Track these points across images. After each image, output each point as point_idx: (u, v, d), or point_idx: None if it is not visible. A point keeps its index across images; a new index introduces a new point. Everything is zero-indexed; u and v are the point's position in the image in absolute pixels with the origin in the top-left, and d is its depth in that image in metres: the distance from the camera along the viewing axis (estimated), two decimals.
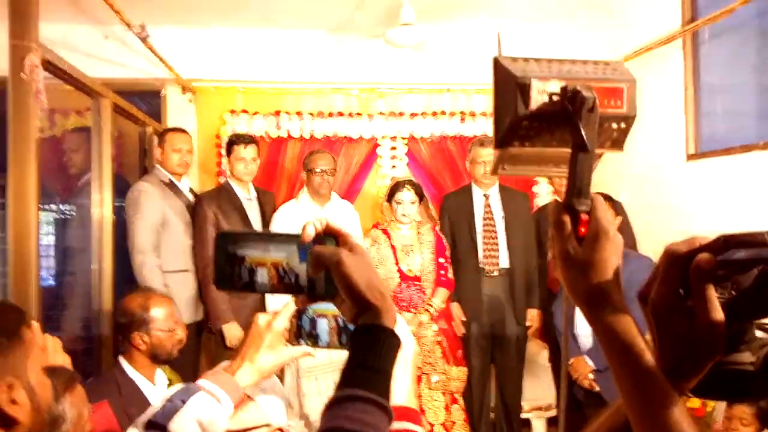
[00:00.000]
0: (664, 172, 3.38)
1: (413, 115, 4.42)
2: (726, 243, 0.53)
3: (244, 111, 4.27)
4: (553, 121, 0.63)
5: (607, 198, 3.11)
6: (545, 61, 0.66)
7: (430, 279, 3.53)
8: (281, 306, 3.17)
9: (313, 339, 0.92)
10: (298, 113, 4.31)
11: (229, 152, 3.43)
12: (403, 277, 3.49)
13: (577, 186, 0.62)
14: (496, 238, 3.69)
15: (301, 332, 0.91)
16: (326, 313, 0.90)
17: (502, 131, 0.66)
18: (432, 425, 3.40)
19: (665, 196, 3.32)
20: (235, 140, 3.42)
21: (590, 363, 2.97)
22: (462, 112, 4.46)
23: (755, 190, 2.80)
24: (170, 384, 2.33)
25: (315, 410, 3.29)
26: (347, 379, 0.67)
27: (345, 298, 0.71)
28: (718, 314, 0.54)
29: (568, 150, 0.65)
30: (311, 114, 4.32)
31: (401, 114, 4.42)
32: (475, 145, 3.78)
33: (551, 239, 0.68)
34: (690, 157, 3.23)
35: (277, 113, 4.28)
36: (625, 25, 3.82)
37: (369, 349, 0.68)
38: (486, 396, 3.75)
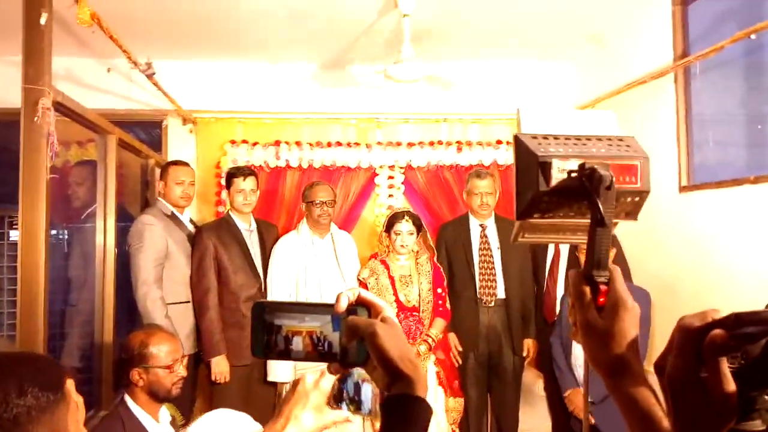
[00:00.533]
0: (658, 203, 3.45)
1: (410, 144, 4.49)
2: (737, 320, 0.58)
3: (244, 141, 4.33)
4: (572, 196, 0.68)
5: None
6: (563, 138, 0.71)
7: (428, 309, 3.56)
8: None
9: (356, 405, 0.90)
10: (298, 143, 4.37)
11: (228, 184, 3.47)
12: (401, 307, 3.52)
13: (596, 258, 0.67)
14: (494, 268, 3.74)
15: (344, 396, 0.90)
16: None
17: (523, 205, 0.71)
18: None
19: (659, 226, 3.38)
20: (235, 172, 3.46)
21: None
22: (458, 142, 4.54)
23: (746, 222, 2.86)
24: (173, 421, 2.33)
25: None
26: None
27: (378, 367, 0.73)
28: (731, 386, 0.57)
29: (585, 221, 0.70)
30: (310, 144, 4.38)
31: (399, 144, 4.49)
32: (472, 176, 3.85)
33: (570, 307, 0.72)
34: (683, 188, 3.30)
35: (277, 143, 4.34)
36: (619, 59, 3.92)
37: (403, 419, 0.69)
38: (483, 426, 3.77)
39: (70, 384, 1.05)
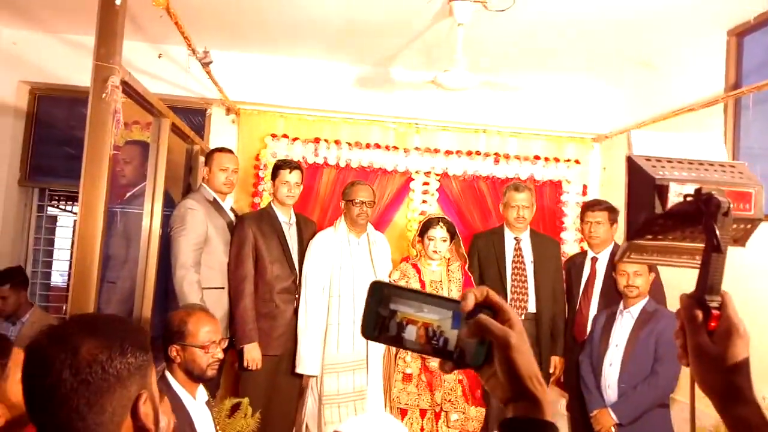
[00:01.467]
0: None
1: (448, 152, 4.52)
2: None
3: (285, 136, 4.38)
4: (686, 220, 0.70)
5: None
6: (676, 161, 0.74)
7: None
8: (310, 339, 3.19)
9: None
10: (337, 142, 4.42)
11: (274, 176, 3.52)
12: None
13: (709, 283, 0.69)
14: (526, 281, 3.75)
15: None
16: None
17: (636, 226, 0.73)
18: None
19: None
20: (282, 164, 3.52)
21: (614, 416, 3.00)
22: (496, 154, 4.55)
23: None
24: (209, 401, 2.38)
25: None
26: None
27: (503, 380, 0.70)
28: None
29: (693, 245, 0.73)
30: (349, 144, 4.43)
31: (436, 151, 4.52)
32: (510, 189, 3.85)
33: (679, 330, 0.74)
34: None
35: (317, 140, 4.39)
36: (669, 85, 3.91)
37: None
38: None
39: None
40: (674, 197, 0.70)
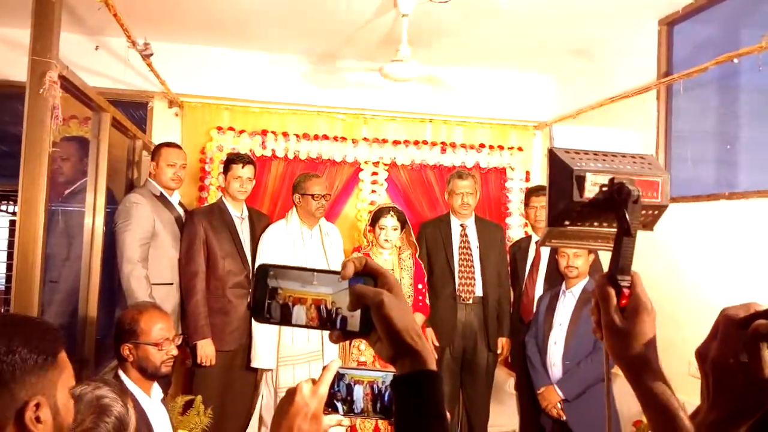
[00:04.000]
0: None
1: (396, 142, 4.57)
2: None
3: (231, 128, 4.34)
4: (601, 207, 0.77)
5: None
6: (592, 153, 0.80)
7: (408, 304, 3.64)
8: (265, 332, 3.22)
9: (349, 405, 0.88)
10: (284, 134, 4.41)
11: (226, 170, 3.50)
12: None
13: (621, 264, 0.76)
14: (473, 267, 3.85)
15: (336, 398, 0.88)
16: (362, 380, 0.89)
17: (555, 213, 0.79)
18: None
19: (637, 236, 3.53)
20: (234, 159, 3.50)
21: (559, 393, 3.13)
22: (443, 143, 4.64)
23: (719, 236, 3.03)
24: (164, 399, 2.37)
25: None
26: (411, 428, 0.68)
27: (383, 339, 0.72)
28: None
29: (608, 230, 0.79)
30: (297, 135, 4.42)
31: (384, 141, 4.56)
32: (454, 176, 3.95)
33: (594, 307, 0.81)
34: None
35: (264, 132, 4.37)
36: (603, 74, 4.07)
37: (425, 396, 0.69)
38: (454, 420, 3.88)
39: (63, 354, 1.07)
40: (590, 186, 0.76)
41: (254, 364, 3.41)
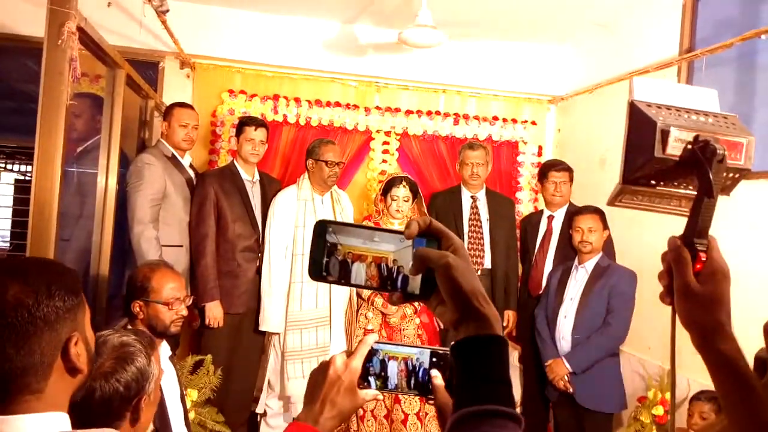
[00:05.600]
0: None
1: (408, 112, 4.51)
2: None
3: (242, 92, 4.27)
4: (681, 166, 0.74)
5: (598, 212, 3.28)
6: (674, 109, 0.76)
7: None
8: (273, 296, 3.19)
9: (383, 381, 0.86)
10: (296, 99, 4.34)
11: (239, 132, 3.45)
12: None
13: (700, 227, 0.73)
14: (482, 238, 3.84)
15: (370, 374, 0.86)
16: (397, 356, 0.87)
17: (632, 169, 0.76)
18: (407, 414, 3.52)
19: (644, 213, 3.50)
20: (247, 121, 3.45)
21: (567, 365, 3.13)
22: (456, 114, 4.57)
23: (732, 215, 2.99)
24: (172, 357, 2.37)
25: (297, 392, 3.37)
26: (476, 394, 0.65)
27: (448, 302, 0.70)
28: None
29: (685, 191, 0.76)
30: (309, 101, 4.36)
31: (397, 110, 4.50)
32: (465, 148, 3.92)
33: (665, 272, 0.78)
34: None
35: (276, 97, 4.30)
36: (624, 47, 3.99)
37: (490, 360, 0.66)
38: None
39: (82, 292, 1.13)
40: (674, 142, 0.72)
41: (262, 328, 3.42)
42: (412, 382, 0.86)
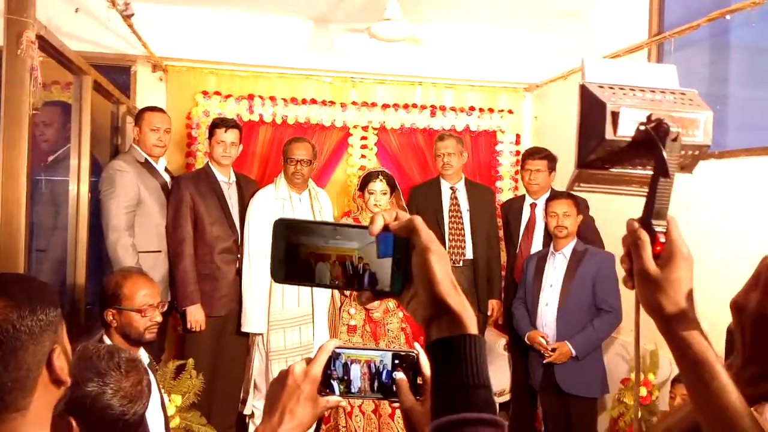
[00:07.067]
0: None
1: (385, 106, 4.49)
2: None
3: (217, 93, 4.23)
4: (635, 146, 0.72)
5: (571, 197, 3.29)
6: (628, 88, 0.75)
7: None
8: (255, 297, 3.17)
9: (346, 385, 0.83)
10: (272, 98, 4.30)
11: (210, 134, 3.41)
12: None
13: (657, 208, 0.71)
14: (463, 229, 3.85)
15: (332, 378, 0.84)
16: (359, 359, 0.84)
17: (586, 152, 0.74)
18: (394, 409, 3.51)
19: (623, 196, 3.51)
20: (218, 123, 3.41)
21: (572, 350, 3.12)
22: (432, 106, 4.56)
23: (706, 194, 3.01)
24: (150, 364, 2.33)
25: None
26: (452, 401, 0.61)
27: (422, 296, 0.65)
28: None
29: (643, 172, 0.75)
30: (284, 100, 4.32)
31: (373, 104, 4.48)
32: (436, 140, 3.94)
33: (625, 255, 0.76)
34: None
35: (251, 97, 4.27)
36: (596, 32, 4.00)
37: (465, 364, 0.61)
38: None
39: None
40: (625, 123, 0.71)
41: (245, 329, 3.40)
42: (376, 384, 0.84)
